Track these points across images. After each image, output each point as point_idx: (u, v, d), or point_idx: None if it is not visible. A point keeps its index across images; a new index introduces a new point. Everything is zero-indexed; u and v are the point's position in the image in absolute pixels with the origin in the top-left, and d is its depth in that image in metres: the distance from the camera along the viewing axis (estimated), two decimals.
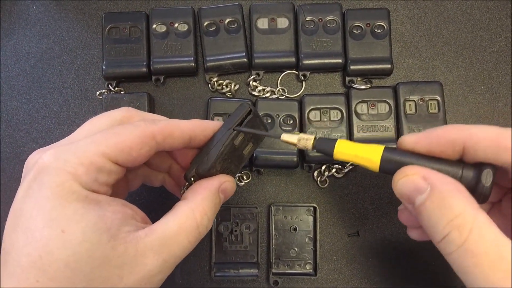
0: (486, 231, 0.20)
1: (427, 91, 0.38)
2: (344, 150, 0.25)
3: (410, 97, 0.38)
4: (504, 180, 0.24)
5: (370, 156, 0.24)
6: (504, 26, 0.41)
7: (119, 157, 0.23)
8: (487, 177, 0.22)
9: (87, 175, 0.22)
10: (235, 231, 0.37)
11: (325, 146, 0.26)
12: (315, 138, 0.26)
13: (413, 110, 0.38)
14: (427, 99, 0.38)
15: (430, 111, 0.38)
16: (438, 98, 0.38)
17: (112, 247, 0.20)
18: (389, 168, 0.24)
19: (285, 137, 0.27)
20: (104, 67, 0.39)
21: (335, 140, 0.26)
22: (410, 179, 0.23)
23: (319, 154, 0.36)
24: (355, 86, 0.39)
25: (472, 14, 0.41)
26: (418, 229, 0.28)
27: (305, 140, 0.26)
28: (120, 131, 0.23)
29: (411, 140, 0.24)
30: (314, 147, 0.26)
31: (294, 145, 0.27)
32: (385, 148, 0.24)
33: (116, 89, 0.40)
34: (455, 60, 0.41)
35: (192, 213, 0.24)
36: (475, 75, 0.40)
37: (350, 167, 0.39)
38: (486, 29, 0.41)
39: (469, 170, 0.23)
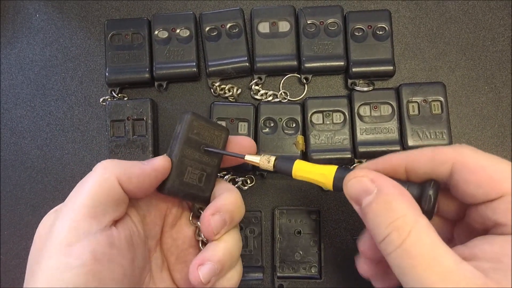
0: (424, 234, 0.20)
1: (430, 92, 0.38)
2: (301, 171, 0.26)
3: (413, 98, 0.38)
4: (457, 195, 0.24)
5: (323, 177, 0.26)
6: (506, 25, 0.41)
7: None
8: (429, 188, 0.23)
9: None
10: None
11: (284, 166, 0.27)
12: (276, 158, 0.27)
13: (416, 112, 0.38)
14: (430, 100, 0.38)
15: (433, 112, 0.37)
16: (441, 99, 0.38)
17: None
18: (341, 186, 0.25)
19: (248, 157, 0.28)
20: (107, 73, 0.39)
21: (293, 161, 0.27)
22: (359, 180, 0.24)
23: (322, 157, 0.37)
24: (358, 88, 0.39)
25: (474, 14, 0.41)
26: (383, 280, 0.27)
27: (267, 161, 0.27)
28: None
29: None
30: (275, 167, 0.27)
31: (257, 165, 0.28)
32: (337, 167, 0.26)
33: (119, 95, 0.40)
34: (457, 60, 0.41)
35: None
36: (478, 75, 0.40)
37: None
38: (488, 29, 0.41)
39: (414, 186, 0.24)
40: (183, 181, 0.27)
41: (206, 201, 0.28)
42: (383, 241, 0.21)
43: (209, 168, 0.28)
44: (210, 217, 0.26)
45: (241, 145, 0.30)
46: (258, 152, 0.37)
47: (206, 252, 0.26)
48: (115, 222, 0.25)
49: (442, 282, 0.19)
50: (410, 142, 0.37)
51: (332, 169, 0.26)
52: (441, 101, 0.38)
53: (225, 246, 0.27)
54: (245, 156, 0.28)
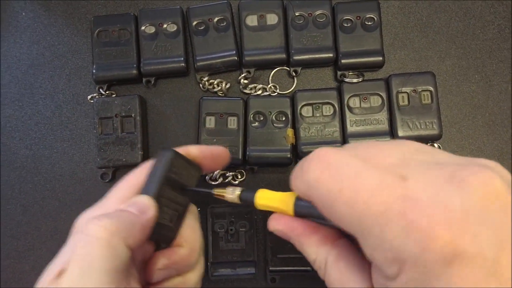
0: (333, 270, 0.21)
1: (420, 82, 0.38)
2: (263, 200, 0.25)
3: (403, 89, 0.38)
4: None
5: (284, 205, 0.24)
6: (496, 13, 0.41)
7: None
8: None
9: None
10: (231, 230, 0.37)
11: (247, 197, 0.26)
12: (242, 190, 0.26)
13: (406, 102, 0.37)
14: (420, 90, 0.37)
15: (423, 102, 0.37)
16: (431, 88, 0.37)
17: None
18: (303, 214, 0.24)
19: (216, 191, 0.27)
20: (94, 70, 0.39)
21: (254, 191, 0.26)
22: (277, 232, 0.24)
23: (313, 150, 0.37)
24: (347, 80, 0.38)
25: (464, 2, 0.41)
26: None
27: (232, 194, 0.26)
28: None
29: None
30: (240, 199, 0.26)
31: (224, 199, 0.27)
32: (296, 197, 0.24)
33: (107, 92, 0.40)
34: (447, 49, 0.40)
35: None
36: (469, 64, 0.40)
37: None
38: (478, 17, 0.41)
39: None
40: (158, 222, 0.24)
41: (172, 241, 0.27)
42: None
43: (180, 207, 0.27)
44: (156, 270, 0.25)
45: (218, 157, 0.29)
46: (252, 146, 0.37)
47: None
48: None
49: None
50: (400, 133, 0.37)
51: (291, 197, 0.24)
52: (430, 91, 0.37)
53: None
54: (213, 190, 0.27)
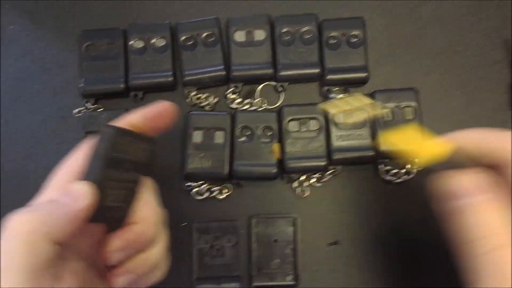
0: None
1: (403, 98, 0.38)
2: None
3: (386, 104, 0.38)
4: None
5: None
6: (477, 31, 0.42)
7: None
8: None
9: None
10: (216, 245, 0.37)
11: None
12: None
13: (390, 118, 0.38)
14: (403, 106, 0.38)
15: (406, 118, 0.38)
16: (414, 104, 0.38)
17: None
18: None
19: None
20: (82, 84, 0.39)
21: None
22: (464, 180, 0.23)
23: (298, 165, 0.37)
24: (332, 95, 0.39)
25: (446, 20, 0.42)
26: None
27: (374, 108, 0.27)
28: None
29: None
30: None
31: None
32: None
33: (95, 106, 0.40)
34: (431, 66, 0.41)
35: None
36: (451, 80, 0.41)
37: (330, 176, 0.39)
38: (460, 35, 0.42)
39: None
40: (105, 206, 0.23)
41: (123, 221, 0.25)
42: (473, 242, 0.21)
43: (130, 184, 0.25)
44: (112, 253, 0.24)
45: (164, 113, 0.28)
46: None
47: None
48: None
49: None
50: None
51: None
52: (413, 107, 0.38)
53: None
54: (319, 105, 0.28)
